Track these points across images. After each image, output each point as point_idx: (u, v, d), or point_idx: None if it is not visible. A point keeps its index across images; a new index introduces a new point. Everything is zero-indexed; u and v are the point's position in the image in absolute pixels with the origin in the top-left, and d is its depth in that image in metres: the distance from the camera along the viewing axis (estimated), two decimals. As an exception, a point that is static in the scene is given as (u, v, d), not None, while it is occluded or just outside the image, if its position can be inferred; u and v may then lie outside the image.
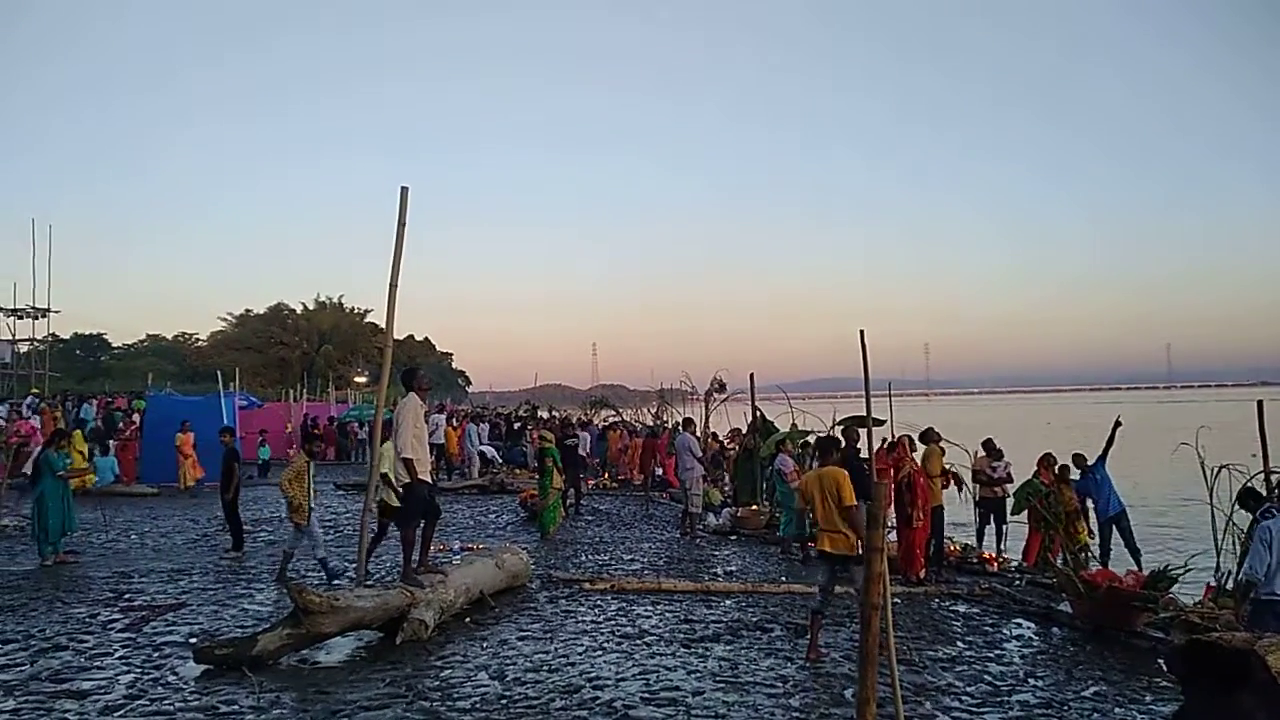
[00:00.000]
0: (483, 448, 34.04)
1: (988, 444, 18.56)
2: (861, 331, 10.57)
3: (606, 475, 33.79)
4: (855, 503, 10.56)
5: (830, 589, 10.78)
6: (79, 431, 27.02)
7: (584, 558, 17.12)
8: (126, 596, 13.09)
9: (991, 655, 11.07)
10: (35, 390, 45.59)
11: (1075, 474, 17.69)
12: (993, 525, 18.31)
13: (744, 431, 26.23)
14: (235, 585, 13.95)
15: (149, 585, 13.91)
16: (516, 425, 42.45)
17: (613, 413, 46.75)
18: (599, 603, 13.20)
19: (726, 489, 26.54)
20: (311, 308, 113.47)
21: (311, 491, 14.51)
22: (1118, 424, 17.65)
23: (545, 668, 9.84)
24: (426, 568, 12.29)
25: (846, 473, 10.76)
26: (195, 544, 18.23)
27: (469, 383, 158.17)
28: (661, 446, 29.55)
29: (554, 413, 55.35)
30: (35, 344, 60.44)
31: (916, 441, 16.39)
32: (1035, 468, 17.60)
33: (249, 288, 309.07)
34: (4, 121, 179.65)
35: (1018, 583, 15.72)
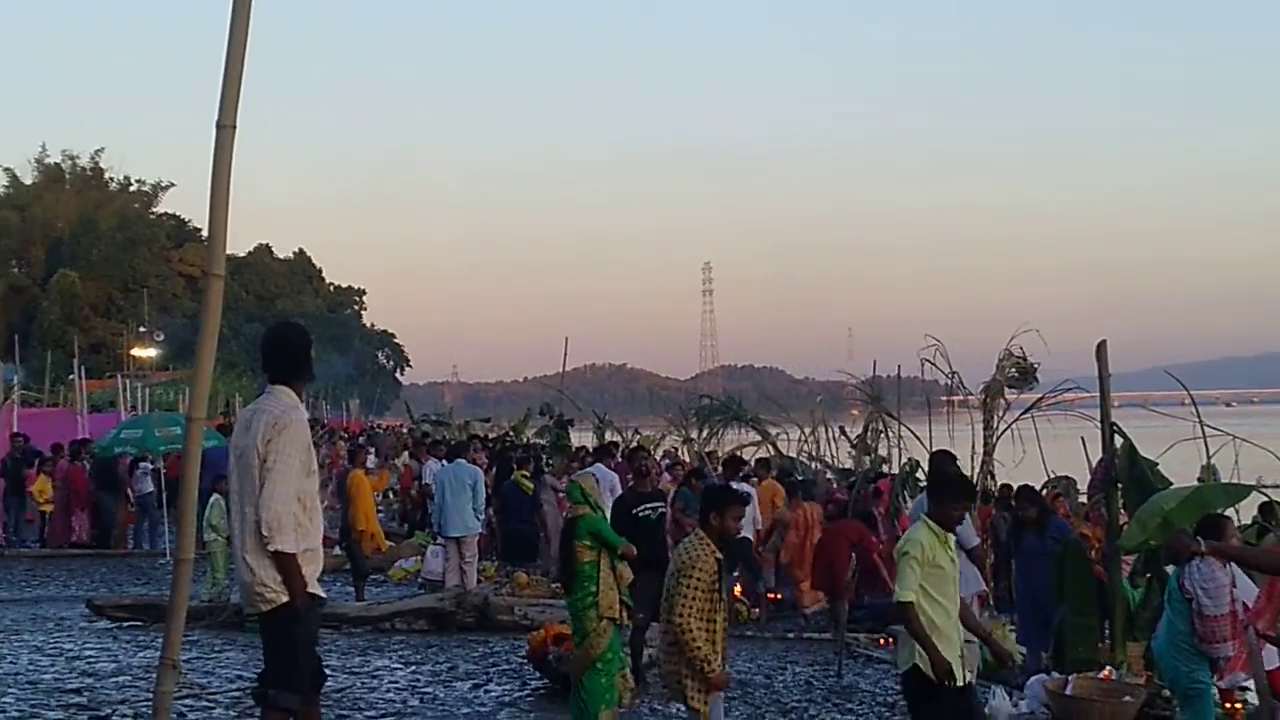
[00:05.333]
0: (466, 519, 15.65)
1: None
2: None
3: (741, 589, 15.61)
4: None
5: None
6: None
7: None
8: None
9: None
10: None
11: None
12: None
13: (1089, 483, 12.65)
14: None
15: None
16: (517, 463, 20.59)
17: (753, 435, 23.89)
18: None
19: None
20: (30, 179, 66.14)
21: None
22: None
23: None
24: None
25: None
26: None
27: (402, 363, 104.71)
28: (878, 519, 15.37)
29: (601, 429, 29.29)
30: None
31: None
32: None
33: None
34: None
35: None
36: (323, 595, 6.23)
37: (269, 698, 6.04)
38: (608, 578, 8.72)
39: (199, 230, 69.56)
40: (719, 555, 7.00)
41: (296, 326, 6.78)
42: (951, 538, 7.08)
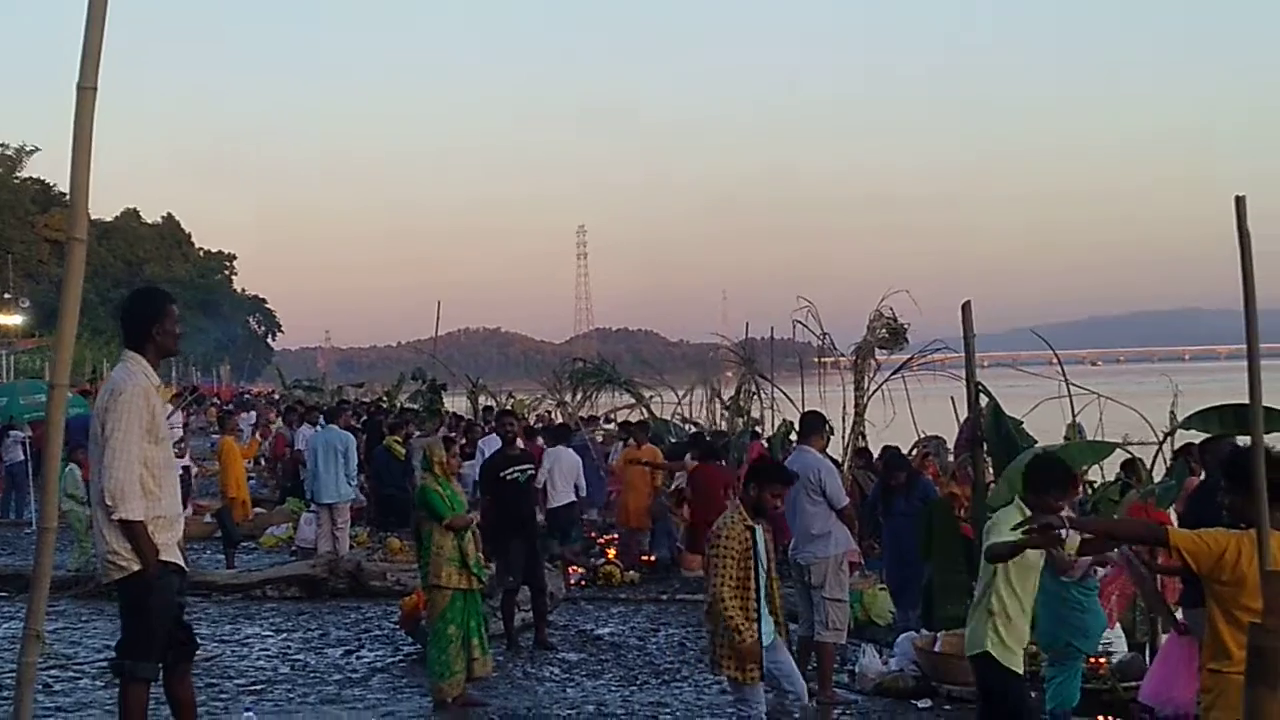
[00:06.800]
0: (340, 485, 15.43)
1: None
2: (1241, 201, 4.28)
3: (614, 551, 15.88)
4: None
5: None
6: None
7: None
8: None
9: None
10: None
11: None
12: None
13: (955, 442, 12.10)
14: None
15: None
16: (389, 428, 20.50)
17: (626, 398, 24.25)
18: None
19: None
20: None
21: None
22: None
23: None
24: None
25: None
26: None
27: (274, 328, 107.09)
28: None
29: (475, 394, 29.25)
30: None
31: None
32: None
33: None
34: None
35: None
36: (180, 563, 6.15)
37: (125, 668, 6.06)
38: (439, 545, 8.80)
39: (65, 195, 67.83)
40: (750, 524, 7.07)
41: (141, 293, 6.76)
42: None
